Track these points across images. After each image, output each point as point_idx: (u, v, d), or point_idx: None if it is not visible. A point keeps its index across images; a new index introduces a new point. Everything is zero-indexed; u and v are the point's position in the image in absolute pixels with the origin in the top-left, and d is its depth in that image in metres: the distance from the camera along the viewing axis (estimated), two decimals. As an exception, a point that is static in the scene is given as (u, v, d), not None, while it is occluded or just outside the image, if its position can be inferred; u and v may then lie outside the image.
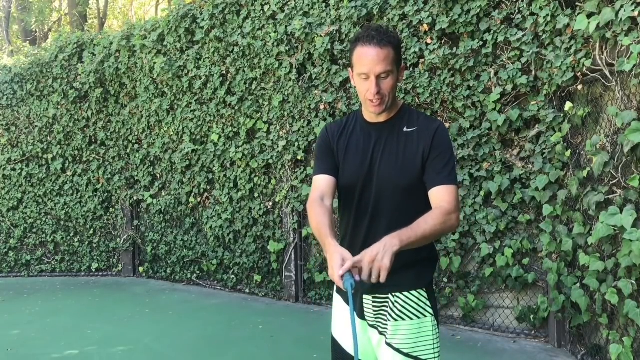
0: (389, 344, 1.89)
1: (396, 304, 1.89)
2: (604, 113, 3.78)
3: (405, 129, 1.93)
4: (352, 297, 1.61)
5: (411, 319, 1.88)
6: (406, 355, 1.86)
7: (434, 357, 1.89)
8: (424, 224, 1.74)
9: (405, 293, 1.89)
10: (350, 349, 2.01)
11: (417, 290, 1.90)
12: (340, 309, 2.07)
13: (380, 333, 1.94)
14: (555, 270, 4.17)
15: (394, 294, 1.89)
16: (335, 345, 2.07)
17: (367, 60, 1.81)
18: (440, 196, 1.83)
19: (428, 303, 1.91)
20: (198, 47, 6.78)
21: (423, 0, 4.92)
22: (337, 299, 2.11)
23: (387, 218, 1.91)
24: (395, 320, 1.88)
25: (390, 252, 1.62)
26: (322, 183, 1.99)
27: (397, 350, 1.87)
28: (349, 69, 1.96)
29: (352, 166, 1.97)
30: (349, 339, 2.01)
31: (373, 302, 1.95)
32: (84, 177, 8.21)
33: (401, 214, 1.88)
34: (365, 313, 1.98)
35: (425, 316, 1.90)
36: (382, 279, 1.61)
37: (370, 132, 1.98)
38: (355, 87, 1.97)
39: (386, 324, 1.91)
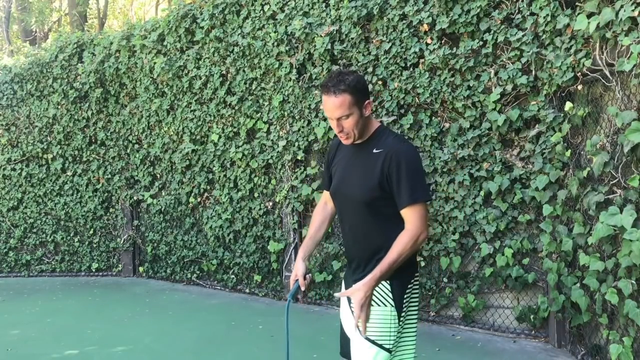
0: (356, 326, 2.16)
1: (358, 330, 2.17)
2: (604, 113, 3.79)
3: (374, 150, 2.22)
4: (288, 306, 2.27)
5: (372, 305, 2.13)
6: (366, 338, 2.13)
7: (389, 345, 2.13)
8: (394, 255, 2.08)
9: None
10: (347, 330, 2.33)
11: (382, 282, 2.15)
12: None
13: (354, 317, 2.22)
14: (555, 270, 4.17)
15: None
16: (341, 325, 2.41)
17: (327, 107, 2.17)
18: (407, 218, 2.14)
19: (390, 294, 2.15)
20: (198, 47, 6.78)
21: (423, 0, 4.93)
22: (343, 284, 2.44)
23: (353, 229, 2.28)
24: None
25: (367, 305, 2.09)
26: (325, 195, 2.55)
27: (364, 334, 2.14)
28: None
29: (335, 179, 2.38)
30: (347, 320, 2.32)
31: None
32: (84, 177, 8.21)
33: (363, 226, 2.23)
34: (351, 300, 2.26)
35: (385, 305, 2.14)
36: (362, 329, 2.10)
37: (351, 150, 2.32)
38: None
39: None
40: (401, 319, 2.17)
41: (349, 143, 2.25)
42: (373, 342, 2.13)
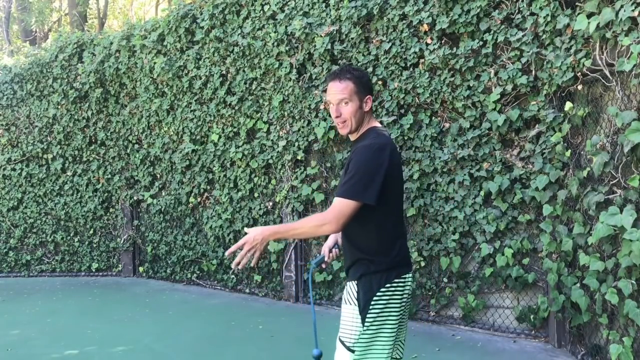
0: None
1: (345, 290, 2.28)
2: (604, 113, 3.79)
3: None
4: (311, 272, 2.44)
5: (345, 303, 2.24)
6: (339, 336, 2.23)
7: (349, 343, 2.16)
8: (298, 224, 2.16)
9: (349, 282, 2.25)
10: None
11: (352, 281, 2.23)
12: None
13: None
14: (555, 270, 4.17)
15: (347, 282, 2.28)
16: None
17: (330, 92, 2.27)
18: (331, 206, 2.18)
19: (355, 295, 2.20)
20: (198, 47, 6.78)
21: (423, 0, 4.93)
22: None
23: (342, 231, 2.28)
24: (343, 303, 2.29)
25: (249, 245, 2.12)
26: None
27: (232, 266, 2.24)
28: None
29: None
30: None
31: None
32: (84, 177, 8.21)
33: (346, 228, 2.21)
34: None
35: (351, 303, 2.20)
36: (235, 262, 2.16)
37: (351, 149, 2.34)
38: None
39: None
40: (366, 322, 2.14)
41: (345, 132, 2.29)
42: (339, 337, 2.22)
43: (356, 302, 2.17)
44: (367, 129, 2.30)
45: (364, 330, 2.15)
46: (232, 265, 2.17)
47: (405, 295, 2.23)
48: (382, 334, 2.16)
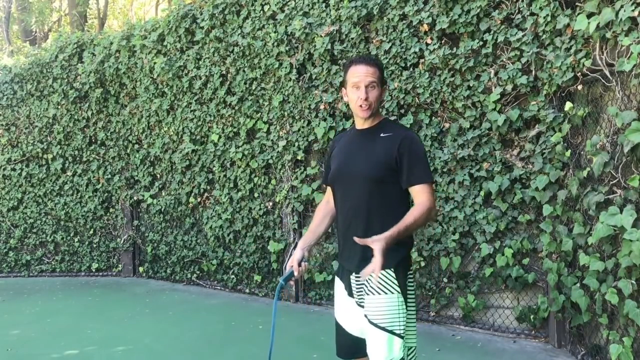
0: (365, 316, 2.26)
1: (370, 281, 2.24)
2: (604, 113, 3.79)
3: (382, 135, 2.35)
4: (278, 290, 2.33)
5: (379, 294, 2.23)
6: (375, 325, 2.21)
7: (399, 330, 2.21)
8: (408, 218, 2.16)
9: (383, 271, 2.23)
10: (350, 329, 2.40)
11: (386, 270, 2.23)
12: (339, 293, 2.47)
13: (360, 305, 2.32)
14: (555, 270, 4.17)
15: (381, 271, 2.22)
16: (338, 327, 2.47)
17: (359, 72, 2.29)
18: (420, 194, 2.25)
19: (395, 282, 2.24)
20: (198, 47, 6.78)
21: (423, 0, 4.93)
22: (337, 283, 2.49)
23: (354, 210, 2.33)
24: (368, 294, 2.25)
25: (384, 255, 2.03)
26: (328, 192, 2.63)
27: (370, 321, 2.23)
28: (342, 88, 2.40)
29: (336, 165, 2.44)
30: (348, 320, 2.41)
31: (356, 280, 2.34)
32: (84, 177, 8.21)
33: (365, 206, 2.30)
34: (353, 290, 2.36)
35: (392, 292, 2.23)
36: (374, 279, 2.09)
37: (355, 137, 2.43)
38: (347, 103, 2.48)
39: (363, 299, 2.28)
40: (408, 307, 2.28)
41: (366, 116, 2.33)
42: (384, 329, 2.20)
43: (398, 290, 2.24)
44: (382, 120, 2.39)
45: (409, 315, 2.27)
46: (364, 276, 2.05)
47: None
48: (414, 312, 2.37)
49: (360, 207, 2.31)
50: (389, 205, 2.29)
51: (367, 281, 2.26)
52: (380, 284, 2.23)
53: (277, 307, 2.30)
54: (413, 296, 2.35)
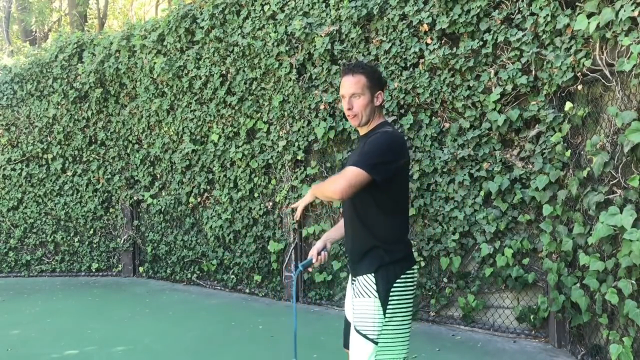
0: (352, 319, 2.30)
1: (355, 285, 2.30)
2: (604, 113, 3.79)
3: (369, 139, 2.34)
4: (296, 275, 2.39)
5: (360, 296, 2.26)
6: (355, 329, 2.24)
7: (372, 335, 2.19)
8: (322, 184, 2.25)
9: (359, 277, 2.29)
10: (348, 318, 2.43)
11: (367, 275, 2.26)
12: (348, 288, 2.49)
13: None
14: (555, 270, 4.17)
15: (356, 277, 2.32)
16: (345, 318, 2.50)
17: (343, 84, 2.36)
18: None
19: (374, 287, 2.23)
20: (198, 47, 6.78)
21: (423, 0, 4.93)
22: (350, 279, 2.50)
23: (348, 222, 2.39)
24: (354, 296, 2.30)
25: (303, 203, 2.42)
26: None
27: (353, 324, 2.27)
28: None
29: None
30: (349, 314, 2.43)
31: (352, 283, 2.38)
32: (84, 177, 8.21)
33: (356, 208, 2.31)
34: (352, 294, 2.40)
35: (369, 297, 2.23)
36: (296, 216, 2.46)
37: (358, 143, 2.45)
38: None
39: (353, 302, 2.32)
40: (387, 313, 2.21)
41: (355, 124, 2.37)
42: (359, 331, 2.22)
43: (376, 294, 2.22)
44: (378, 123, 2.38)
45: (386, 322, 2.21)
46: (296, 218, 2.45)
47: (415, 286, 2.34)
48: (402, 324, 2.25)
49: (350, 214, 2.36)
50: (375, 214, 2.26)
51: (352, 283, 2.34)
52: (362, 286, 2.25)
53: (295, 294, 2.32)
54: (401, 306, 2.24)
